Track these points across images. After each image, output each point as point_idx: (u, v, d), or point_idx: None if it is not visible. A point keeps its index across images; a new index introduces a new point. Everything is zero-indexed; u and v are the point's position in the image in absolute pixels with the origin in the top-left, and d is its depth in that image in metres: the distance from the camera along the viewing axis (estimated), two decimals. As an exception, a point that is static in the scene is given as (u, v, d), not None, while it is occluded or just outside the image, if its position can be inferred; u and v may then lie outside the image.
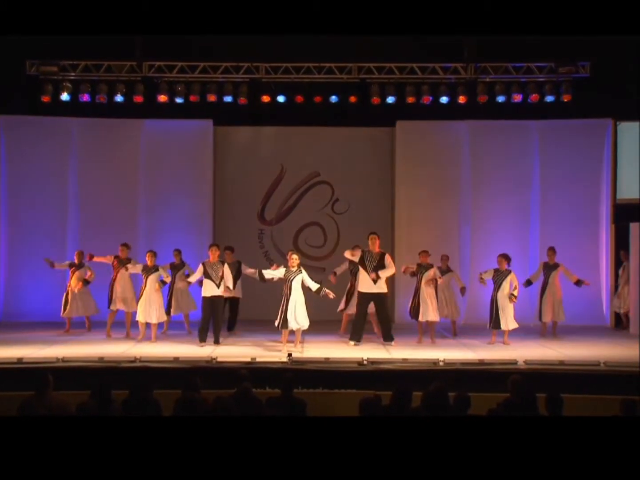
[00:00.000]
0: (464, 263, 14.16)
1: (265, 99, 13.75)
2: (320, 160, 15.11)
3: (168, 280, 11.90)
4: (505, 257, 11.71)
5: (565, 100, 13.62)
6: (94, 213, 14.40)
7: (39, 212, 14.31)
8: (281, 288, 11.09)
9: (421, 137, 14.72)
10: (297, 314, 10.62)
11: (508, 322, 11.51)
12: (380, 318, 11.68)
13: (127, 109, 14.06)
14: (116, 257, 12.34)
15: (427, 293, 11.82)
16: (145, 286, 11.68)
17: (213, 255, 11.30)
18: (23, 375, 8.79)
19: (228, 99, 13.75)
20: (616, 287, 13.93)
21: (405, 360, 9.87)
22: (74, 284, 12.61)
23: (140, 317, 11.60)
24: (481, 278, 11.84)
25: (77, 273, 12.65)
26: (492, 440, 4.66)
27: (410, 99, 13.70)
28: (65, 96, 13.62)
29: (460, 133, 14.63)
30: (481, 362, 9.80)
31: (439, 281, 12.13)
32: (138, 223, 14.50)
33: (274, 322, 11.01)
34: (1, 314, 14.16)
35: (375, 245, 11.60)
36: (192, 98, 13.76)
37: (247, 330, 12.77)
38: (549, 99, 13.63)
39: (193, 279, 11.62)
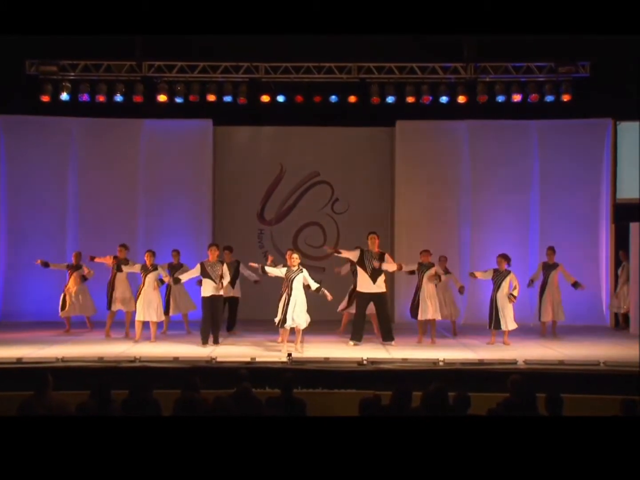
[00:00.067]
0: (463, 263, 14.15)
1: (265, 98, 13.74)
2: (320, 160, 15.11)
3: (167, 280, 11.89)
4: (505, 258, 11.70)
5: (565, 100, 13.61)
6: (94, 213, 14.40)
7: (38, 212, 14.31)
8: (280, 288, 11.10)
9: (421, 137, 14.72)
10: (298, 313, 10.62)
11: (508, 322, 11.51)
12: (380, 318, 11.67)
13: (127, 109, 14.05)
14: (115, 257, 12.34)
15: (428, 292, 11.81)
16: (143, 285, 11.67)
17: (212, 255, 11.30)
18: (23, 375, 8.78)
19: (228, 98, 13.74)
20: (615, 287, 13.92)
21: (405, 360, 9.87)
22: (71, 285, 12.61)
23: (139, 317, 11.58)
24: (472, 274, 11.93)
25: (75, 274, 12.65)
26: (492, 440, 4.66)
27: (410, 99, 13.69)
28: (64, 96, 13.62)
29: (460, 133, 14.63)
30: (481, 362, 9.79)
31: (443, 278, 12.11)
32: (137, 223, 14.50)
33: (273, 322, 11.00)
34: (1, 314, 14.15)
35: (374, 245, 11.60)
36: (191, 98, 13.76)
37: (246, 330, 12.77)
38: (549, 98, 13.62)
39: (186, 277, 11.60)
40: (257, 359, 9.79)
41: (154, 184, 14.59)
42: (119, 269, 12.12)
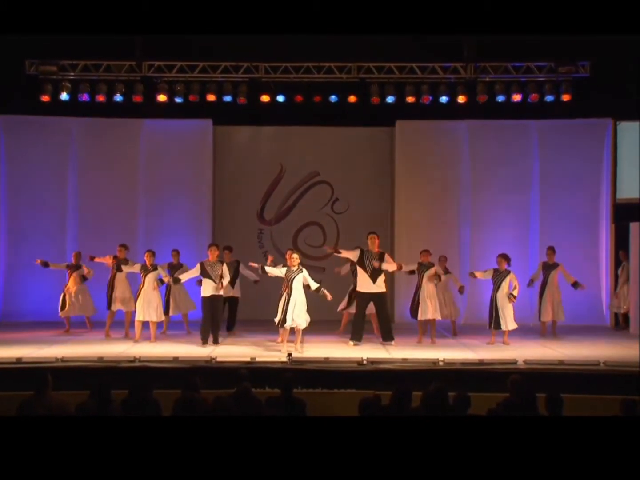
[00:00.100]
0: (463, 263, 14.15)
1: (265, 98, 13.74)
2: (319, 160, 15.11)
3: (167, 280, 11.88)
4: (505, 258, 11.70)
5: (565, 100, 13.60)
6: (94, 213, 14.39)
7: (38, 212, 14.31)
8: (280, 288, 11.10)
9: (421, 137, 14.72)
10: (297, 313, 10.60)
11: (508, 322, 11.50)
12: (380, 318, 11.66)
13: (127, 109, 14.05)
14: (115, 257, 12.33)
15: (428, 292, 11.81)
16: (143, 285, 11.65)
17: (212, 255, 11.29)
18: (22, 375, 8.78)
19: (227, 98, 13.73)
20: (615, 287, 13.92)
21: (405, 360, 9.86)
22: (71, 285, 12.61)
23: (139, 317, 11.57)
24: (472, 273, 11.96)
25: (74, 274, 12.65)
26: (492, 440, 4.66)
27: (410, 99, 13.69)
28: (64, 96, 13.61)
29: (460, 133, 14.62)
30: (481, 362, 9.79)
31: (442, 278, 12.10)
32: (137, 223, 14.50)
33: (273, 322, 11.00)
34: (1, 314, 14.14)
35: (374, 245, 11.59)
36: (191, 98, 13.75)
37: (246, 330, 12.76)
38: (549, 98, 13.61)
39: (186, 277, 11.60)
40: (257, 359, 9.79)
41: (153, 184, 14.59)
42: (119, 269, 12.12)
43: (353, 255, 11.66)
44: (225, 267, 11.38)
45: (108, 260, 12.40)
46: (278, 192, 15.19)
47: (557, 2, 6.66)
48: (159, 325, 12.03)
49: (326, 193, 15.20)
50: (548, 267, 12.63)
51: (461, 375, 9.25)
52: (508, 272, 11.61)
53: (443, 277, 12.15)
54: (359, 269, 11.58)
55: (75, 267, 12.67)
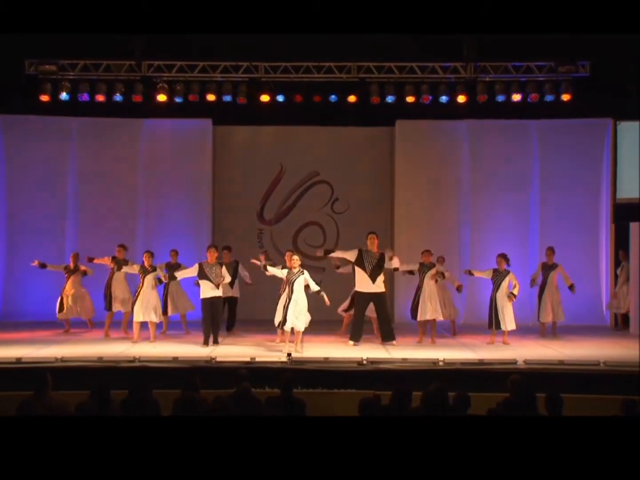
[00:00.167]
0: (463, 263, 14.13)
1: (265, 98, 13.72)
2: (319, 159, 15.10)
3: (165, 279, 11.88)
4: (504, 258, 11.71)
5: (565, 99, 13.58)
6: (93, 212, 14.40)
7: (38, 212, 14.31)
8: (279, 288, 11.09)
9: (421, 136, 14.71)
10: (298, 316, 10.58)
11: (507, 322, 11.51)
12: (380, 318, 11.64)
13: (126, 109, 14.04)
14: (113, 257, 12.32)
15: (429, 292, 11.79)
16: (142, 286, 11.61)
17: (211, 256, 11.27)
18: (22, 375, 8.77)
19: (227, 98, 13.71)
20: (615, 287, 13.91)
21: (405, 360, 9.86)
22: (69, 288, 12.60)
23: (138, 318, 11.53)
24: (469, 271, 11.98)
25: (72, 277, 12.64)
26: (492, 440, 4.65)
27: (410, 99, 13.67)
28: (64, 95, 13.59)
29: (460, 132, 14.62)
30: (481, 362, 9.78)
31: (446, 274, 12.09)
32: (137, 223, 14.50)
33: (273, 322, 10.99)
34: (0, 314, 14.14)
35: (374, 245, 11.57)
36: (191, 97, 13.74)
37: (246, 330, 12.76)
38: (549, 98, 13.60)
39: (183, 274, 11.58)
40: (257, 359, 9.78)
41: (153, 184, 14.59)
42: (119, 269, 12.10)
43: (350, 255, 11.63)
44: (224, 269, 11.36)
45: (107, 261, 12.39)
46: (278, 192, 15.19)
47: (557, 2, 6.65)
48: (158, 325, 12.02)
49: (326, 193, 15.19)
50: (547, 268, 12.62)
51: (461, 375, 9.24)
52: (507, 272, 11.62)
53: (447, 274, 12.13)
54: (357, 269, 11.55)
55: (73, 270, 12.66)
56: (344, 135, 15.07)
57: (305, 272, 10.77)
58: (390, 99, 13.73)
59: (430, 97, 13.65)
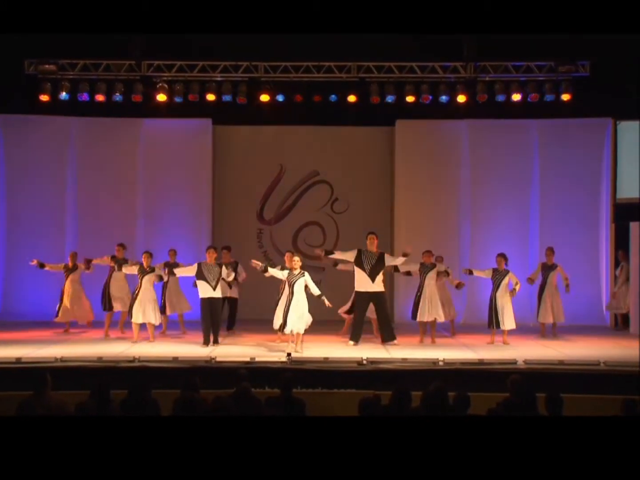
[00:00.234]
0: (463, 262, 14.10)
1: (265, 98, 13.72)
2: (319, 159, 15.10)
3: (165, 276, 11.89)
4: (504, 257, 11.72)
5: (565, 99, 13.58)
6: (93, 212, 14.39)
7: (37, 211, 14.30)
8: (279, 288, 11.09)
9: (421, 136, 14.71)
10: (298, 318, 10.54)
11: (507, 322, 11.51)
12: (379, 318, 11.63)
13: (126, 108, 14.03)
14: (113, 257, 12.32)
15: (429, 292, 11.77)
16: (140, 287, 11.58)
17: (210, 257, 11.25)
18: (21, 375, 8.76)
19: (227, 98, 13.71)
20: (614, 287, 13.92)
21: (404, 360, 9.85)
22: (67, 287, 12.59)
23: (136, 318, 11.48)
24: (468, 270, 11.96)
25: (71, 276, 12.63)
26: (491, 440, 4.65)
27: (410, 98, 13.66)
28: (63, 95, 13.59)
29: (460, 132, 14.62)
30: (481, 362, 9.78)
31: (449, 272, 12.09)
32: (137, 222, 14.50)
33: (272, 322, 10.97)
34: (0, 314, 14.13)
35: (373, 245, 11.56)
36: (191, 97, 13.73)
37: (246, 330, 12.75)
38: (549, 98, 13.59)
39: (181, 272, 11.58)
40: (257, 359, 9.77)
41: (153, 184, 14.58)
42: (119, 268, 12.09)
43: (349, 255, 11.62)
44: (224, 268, 11.35)
45: (107, 261, 12.38)
46: (278, 192, 15.18)
47: (557, 2, 6.65)
48: (158, 325, 11.99)
49: (326, 193, 15.19)
50: (547, 268, 12.60)
51: (461, 375, 9.24)
52: (507, 272, 11.65)
53: (449, 271, 12.14)
54: (356, 269, 11.53)
55: (72, 269, 12.65)
56: (344, 135, 15.06)
57: (306, 273, 10.72)
58: (390, 98, 13.72)
59: (430, 97, 13.64)
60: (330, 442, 4.60)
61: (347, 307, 12.23)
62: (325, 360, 9.81)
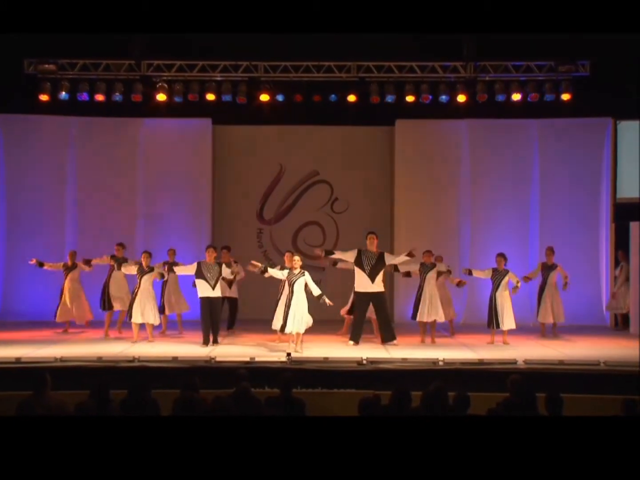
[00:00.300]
0: (463, 262, 14.10)
1: (264, 98, 13.71)
2: (319, 159, 15.09)
3: (166, 276, 11.89)
4: (504, 257, 11.72)
5: (565, 99, 13.57)
6: (93, 212, 14.39)
7: (37, 211, 14.30)
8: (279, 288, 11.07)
9: (421, 136, 14.71)
10: (299, 319, 10.53)
11: (507, 321, 11.51)
12: (379, 318, 11.62)
13: (126, 108, 14.02)
14: (112, 256, 12.31)
15: (430, 292, 11.76)
16: (139, 287, 11.56)
17: (209, 256, 11.25)
18: (21, 375, 8.75)
19: (227, 97, 13.70)
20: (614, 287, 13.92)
21: (404, 360, 9.85)
22: (66, 286, 12.58)
23: (136, 319, 11.45)
24: (468, 270, 11.94)
25: (70, 275, 12.62)
26: (491, 440, 4.65)
27: (410, 98, 13.66)
28: (63, 95, 13.58)
29: (460, 132, 14.61)
30: (481, 362, 9.78)
31: (450, 269, 12.10)
32: (136, 222, 14.49)
33: (272, 322, 10.96)
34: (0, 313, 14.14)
35: (373, 245, 11.55)
36: (190, 97, 13.73)
37: (246, 330, 12.74)
38: (549, 97, 13.58)
39: (181, 270, 11.58)
40: (256, 359, 9.77)
41: (152, 183, 14.58)
42: (119, 268, 12.09)
43: (349, 256, 11.61)
44: (224, 267, 11.34)
45: (106, 260, 12.38)
46: (277, 192, 15.17)
47: (557, 2, 6.65)
48: (158, 325, 11.98)
49: (326, 192, 15.18)
50: (547, 268, 12.60)
51: (461, 375, 9.24)
52: (507, 271, 11.66)
53: (451, 269, 12.15)
54: (356, 269, 11.52)
55: (71, 268, 12.65)
56: (343, 135, 15.06)
57: (306, 273, 10.70)
58: (390, 98, 13.71)
59: (430, 97, 13.63)
60: (330, 442, 4.60)
61: (348, 306, 12.23)
62: (325, 360, 9.80)
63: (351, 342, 11.35)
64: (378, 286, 11.49)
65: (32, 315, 13.73)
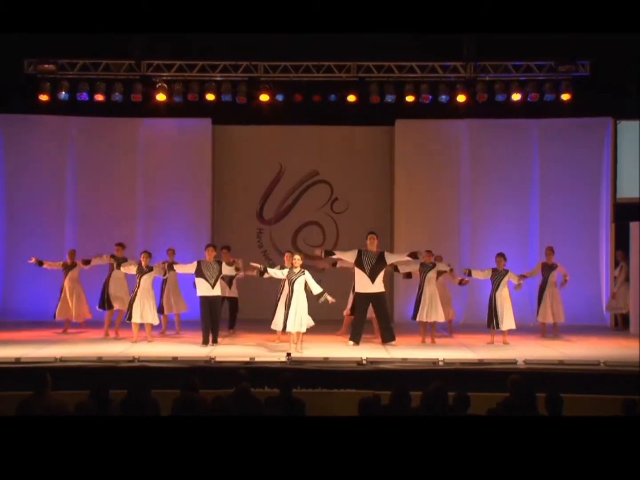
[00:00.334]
0: (463, 262, 14.10)
1: (264, 97, 13.71)
2: (319, 159, 15.10)
3: (166, 274, 11.88)
4: (504, 257, 11.72)
5: (565, 99, 13.57)
6: (92, 212, 14.39)
7: (37, 211, 14.30)
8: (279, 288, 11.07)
9: (420, 136, 14.71)
10: (299, 318, 10.52)
11: (507, 321, 11.51)
12: (379, 318, 11.61)
13: (126, 108, 14.02)
14: (112, 256, 12.31)
15: (430, 292, 11.76)
16: (138, 287, 11.54)
17: (209, 255, 11.25)
18: (21, 375, 8.75)
19: (227, 97, 13.70)
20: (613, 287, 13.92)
21: (404, 360, 9.84)
22: (66, 285, 12.58)
23: (135, 319, 11.44)
24: (468, 271, 11.93)
25: (69, 274, 12.62)
26: (491, 440, 4.65)
27: (410, 98, 13.66)
28: (63, 95, 13.58)
29: (460, 132, 14.61)
30: (481, 362, 9.77)
31: (448, 268, 12.11)
32: (136, 222, 14.50)
33: (272, 322, 10.96)
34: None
35: (373, 245, 11.54)
36: (190, 97, 13.72)
37: (246, 330, 12.74)
38: (549, 97, 13.58)
39: (181, 268, 11.59)
40: (256, 359, 9.76)
41: (152, 183, 14.58)
42: (118, 267, 12.09)
43: (349, 256, 11.60)
44: (224, 265, 11.34)
45: (106, 260, 12.37)
46: (277, 192, 15.18)
47: (557, 2, 6.65)
48: (157, 325, 11.98)
49: (325, 192, 15.18)
50: (547, 268, 12.60)
51: (461, 375, 9.23)
52: (506, 271, 11.66)
53: (451, 267, 12.15)
54: (356, 270, 11.51)
55: (71, 267, 12.64)
56: (343, 135, 15.06)
57: (306, 272, 10.68)
58: (389, 98, 13.70)
59: (430, 97, 13.63)
60: (330, 442, 4.60)
61: (348, 307, 12.23)
62: (325, 360, 9.80)
63: (351, 342, 11.35)
64: (378, 287, 11.47)
65: (32, 315, 13.74)
